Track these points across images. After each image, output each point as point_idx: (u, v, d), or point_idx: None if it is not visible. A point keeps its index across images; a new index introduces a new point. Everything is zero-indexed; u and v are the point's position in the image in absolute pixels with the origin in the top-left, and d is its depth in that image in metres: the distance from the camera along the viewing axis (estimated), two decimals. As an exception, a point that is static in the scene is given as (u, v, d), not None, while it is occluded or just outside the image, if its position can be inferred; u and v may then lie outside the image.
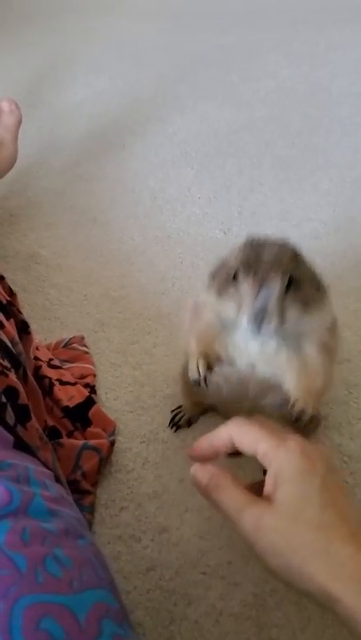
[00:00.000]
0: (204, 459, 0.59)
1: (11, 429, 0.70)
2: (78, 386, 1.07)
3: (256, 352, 0.74)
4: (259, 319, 0.64)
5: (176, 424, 1.03)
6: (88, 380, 1.10)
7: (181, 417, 1.04)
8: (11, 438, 0.67)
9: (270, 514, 0.51)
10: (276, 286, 0.64)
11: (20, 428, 0.73)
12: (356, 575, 0.47)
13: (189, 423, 1.04)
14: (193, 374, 0.79)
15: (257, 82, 2.03)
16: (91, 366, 1.13)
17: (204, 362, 0.78)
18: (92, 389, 1.08)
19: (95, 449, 0.96)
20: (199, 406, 1.04)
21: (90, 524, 0.91)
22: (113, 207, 1.53)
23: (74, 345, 1.17)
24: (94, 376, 1.11)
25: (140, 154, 1.72)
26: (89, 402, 1.04)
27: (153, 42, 2.37)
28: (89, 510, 0.92)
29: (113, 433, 1.02)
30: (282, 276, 0.64)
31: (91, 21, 2.55)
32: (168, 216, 1.49)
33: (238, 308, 0.67)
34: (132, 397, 1.08)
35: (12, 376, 0.76)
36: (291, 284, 0.66)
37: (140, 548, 0.88)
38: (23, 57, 2.28)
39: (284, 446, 0.53)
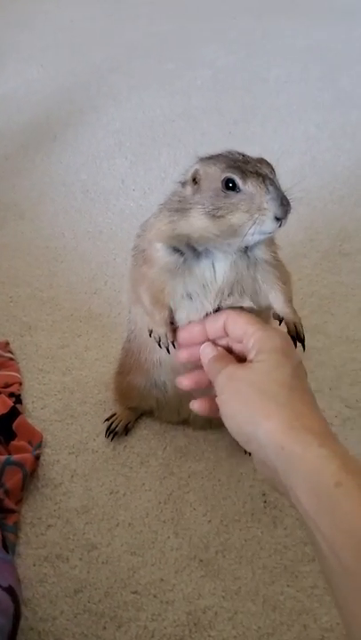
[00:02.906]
0: (192, 342, 0.69)
1: None
2: (2, 396, 0.99)
3: (225, 274, 0.69)
4: (285, 204, 0.63)
5: (113, 431, 0.97)
6: (13, 388, 1.02)
7: (118, 424, 0.98)
8: None
9: (245, 369, 0.60)
10: (276, 178, 0.65)
11: None
12: (309, 427, 0.51)
13: (127, 430, 0.98)
14: (158, 329, 0.72)
15: (193, 70, 1.98)
16: (16, 374, 1.05)
17: (167, 315, 0.72)
18: (18, 399, 1.01)
19: (18, 464, 0.89)
20: (135, 411, 0.98)
21: (14, 545, 0.84)
22: (42, 202, 1.45)
23: (-2, 351, 1.09)
24: (20, 384, 1.04)
25: (72, 145, 1.64)
26: (13, 413, 0.97)
27: (87, 29, 2.28)
28: (13, 530, 0.86)
29: (39, 445, 0.95)
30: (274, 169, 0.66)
31: (21, 8, 2.44)
32: (101, 210, 1.42)
33: (253, 210, 0.63)
34: (60, 405, 1.01)
35: None
36: None
37: (67, 569, 0.81)
38: None
39: (271, 330, 0.63)
